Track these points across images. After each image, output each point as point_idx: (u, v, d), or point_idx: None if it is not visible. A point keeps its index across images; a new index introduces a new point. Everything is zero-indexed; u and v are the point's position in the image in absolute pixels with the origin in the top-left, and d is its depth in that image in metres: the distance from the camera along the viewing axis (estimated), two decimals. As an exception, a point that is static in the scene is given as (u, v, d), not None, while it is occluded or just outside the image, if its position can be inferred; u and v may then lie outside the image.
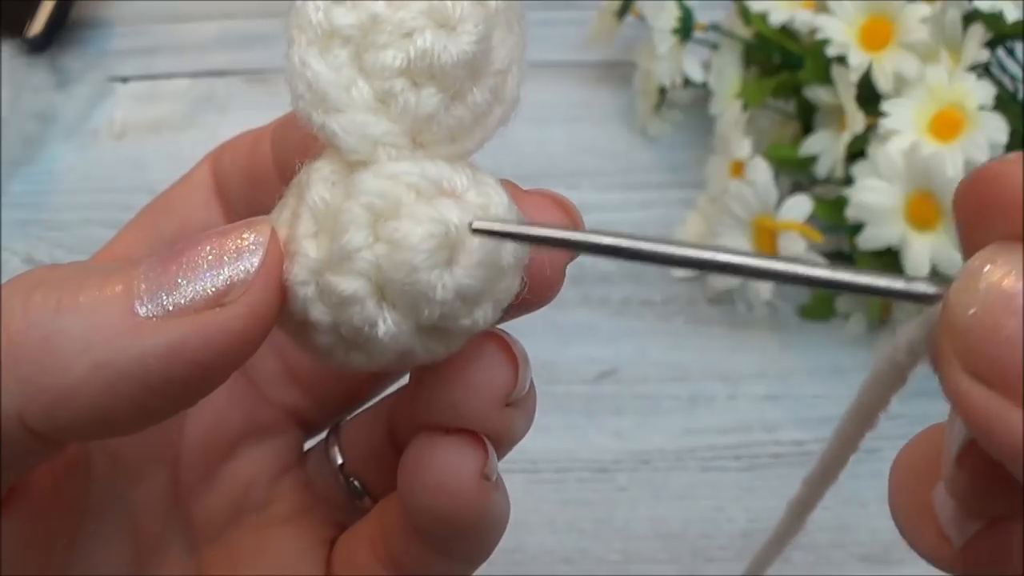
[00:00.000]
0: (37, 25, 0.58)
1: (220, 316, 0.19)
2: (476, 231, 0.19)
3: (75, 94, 0.59)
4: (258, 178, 0.25)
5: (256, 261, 0.19)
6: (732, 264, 0.18)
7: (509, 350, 0.22)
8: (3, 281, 0.25)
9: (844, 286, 0.17)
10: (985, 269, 0.16)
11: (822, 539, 0.43)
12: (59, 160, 0.57)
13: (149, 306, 0.19)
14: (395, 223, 0.19)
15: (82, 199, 0.55)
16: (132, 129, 0.58)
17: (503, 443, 0.23)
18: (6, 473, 0.20)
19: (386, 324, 0.19)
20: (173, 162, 0.28)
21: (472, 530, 0.23)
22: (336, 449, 0.27)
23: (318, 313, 0.20)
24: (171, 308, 0.19)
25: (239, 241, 0.19)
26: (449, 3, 0.20)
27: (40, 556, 0.22)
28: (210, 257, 0.19)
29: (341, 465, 0.27)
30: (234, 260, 0.19)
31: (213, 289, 0.19)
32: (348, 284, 0.19)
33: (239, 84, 0.60)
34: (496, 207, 0.20)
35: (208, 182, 0.25)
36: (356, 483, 0.27)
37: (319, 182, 0.20)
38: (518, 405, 0.23)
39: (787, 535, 0.25)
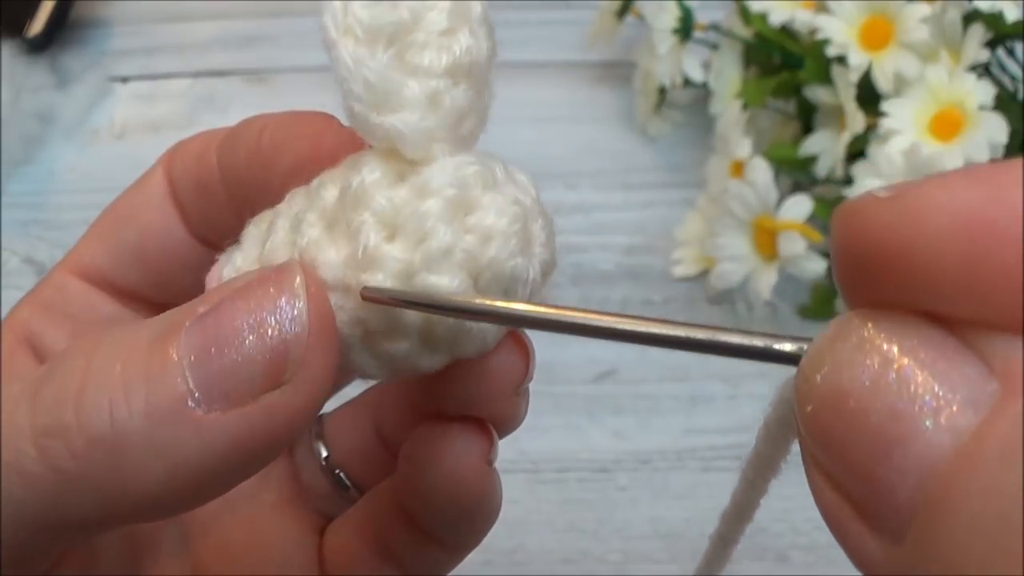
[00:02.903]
0: (37, 25, 0.58)
1: (283, 398, 0.18)
2: (366, 298, 0.19)
3: (75, 94, 0.59)
4: (206, 189, 0.24)
5: (302, 323, 0.18)
6: (585, 324, 0.18)
7: (522, 342, 0.22)
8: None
9: (698, 345, 0.16)
10: (823, 355, 0.14)
11: (822, 539, 0.43)
12: (59, 160, 0.57)
13: (205, 403, 0.18)
14: (480, 213, 0.19)
15: (82, 199, 0.55)
16: (132, 129, 0.58)
17: (508, 429, 0.24)
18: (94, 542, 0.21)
19: None
20: (173, 162, 0.28)
21: (476, 514, 0.23)
22: (320, 443, 0.28)
23: (411, 316, 0.19)
24: (227, 398, 0.18)
25: (275, 308, 0.18)
26: (470, 3, 0.20)
27: (69, 567, 0.23)
28: (250, 336, 0.18)
29: (326, 458, 0.28)
30: (276, 331, 0.18)
31: (265, 370, 0.18)
32: (450, 280, 0.19)
33: (239, 84, 0.60)
34: (533, 191, 0.21)
35: (164, 187, 0.25)
36: (341, 475, 0.27)
37: (376, 187, 0.19)
38: (523, 394, 0.23)
39: (712, 569, 0.25)
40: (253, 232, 0.22)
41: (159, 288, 0.25)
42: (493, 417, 0.23)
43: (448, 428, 0.23)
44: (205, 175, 0.24)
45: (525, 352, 0.22)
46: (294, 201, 0.21)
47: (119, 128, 0.58)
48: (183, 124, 0.58)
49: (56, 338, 0.24)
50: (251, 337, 0.18)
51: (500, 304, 0.18)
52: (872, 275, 0.14)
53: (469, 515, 0.23)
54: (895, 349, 0.13)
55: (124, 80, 0.60)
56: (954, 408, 0.12)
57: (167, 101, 0.59)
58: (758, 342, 0.15)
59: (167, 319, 0.19)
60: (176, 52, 0.61)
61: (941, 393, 0.13)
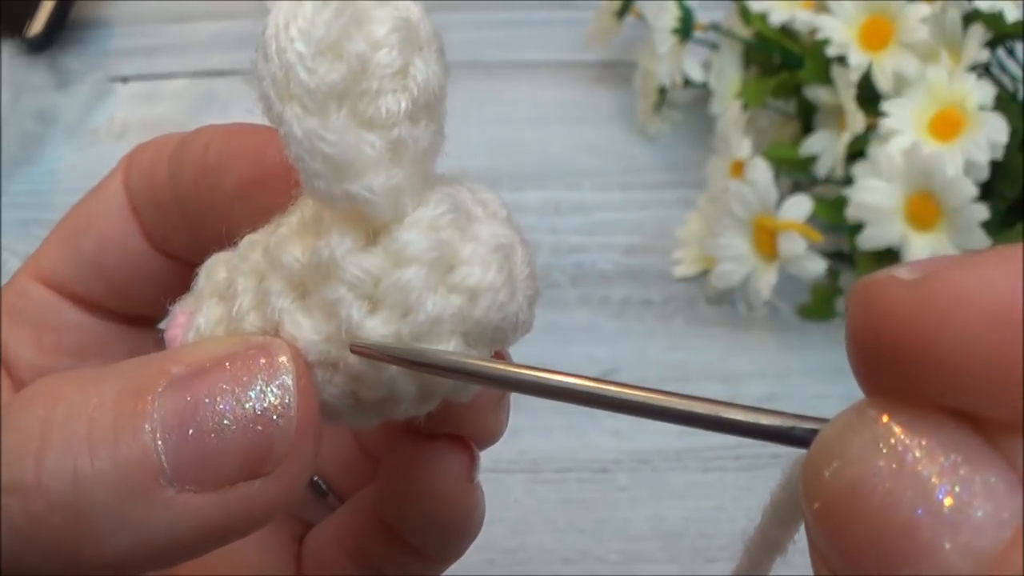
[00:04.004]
0: (37, 25, 0.58)
1: (261, 489, 0.17)
2: (356, 351, 0.18)
3: (75, 94, 0.59)
4: (160, 202, 0.23)
5: (289, 418, 0.17)
6: (611, 397, 0.16)
7: (502, 356, 0.22)
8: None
9: (700, 421, 0.15)
10: (834, 448, 0.13)
11: (822, 539, 0.43)
12: (60, 160, 0.57)
13: (177, 482, 0.17)
14: (464, 270, 0.18)
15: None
16: (132, 129, 0.58)
17: (488, 443, 0.24)
18: None
19: None
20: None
21: (457, 531, 0.23)
22: None
23: (405, 387, 0.19)
24: (201, 482, 0.17)
25: (262, 398, 0.17)
26: (416, 24, 0.18)
27: None
28: (233, 426, 0.17)
29: None
30: (261, 426, 0.17)
31: (245, 462, 0.17)
32: (444, 347, 0.18)
33: (239, 84, 0.60)
34: (504, 212, 0.20)
35: (122, 195, 0.24)
36: (320, 482, 0.27)
37: (350, 256, 0.18)
38: (503, 407, 0.23)
39: None
40: (208, 288, 0.21)
41: (121, 298, 0.24)
42: (473, 433, 0.23)
43: (430, 446, 0.23)
44: (157, 188, 0.23)
45: None
46: (251, 256, 0.20)
47: (119, 128, 0.58)
48: (183, 124, 0.58)
49: (19, 344, 0.24)
50: (233, 427, 0.17)
51: (504, 368, 0.17)
52: (890, 364, 0.12)
53: (451, 531, 0.23)
54: (913, 450, 0.12)
55: (124, 80, 0.60)
56: (975, 525, 0.11)
57: (167, 101, 0.59)
58: (765, 420, 0.14)
59: (135, 374, 0.18)
60: (176, 52, 0.61)
61: (961, 506, 0.11)
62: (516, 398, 0.23)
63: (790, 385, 0.48)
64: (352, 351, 0.18)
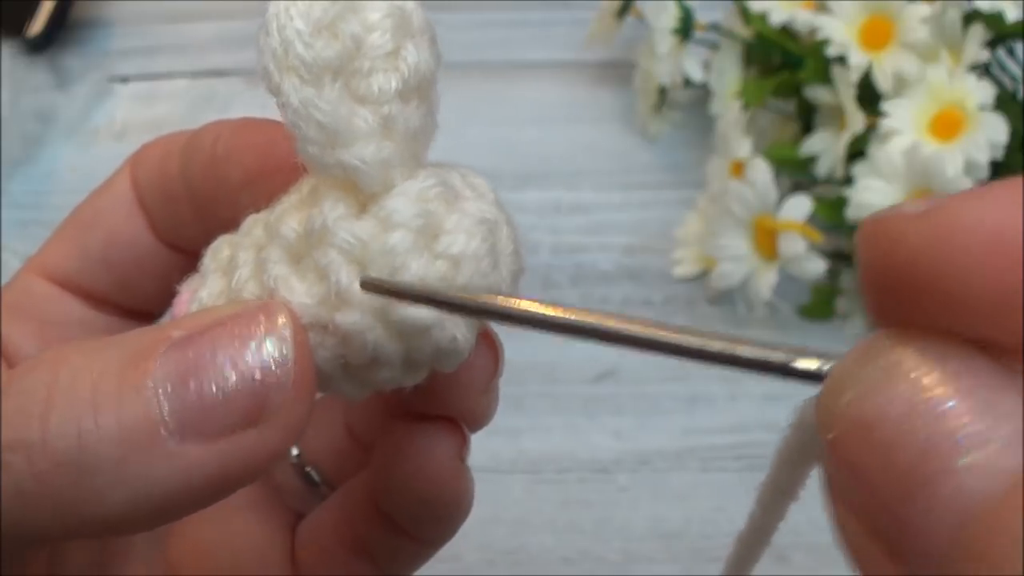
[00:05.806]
0: (37, 25, 0.59)
1: (259, 439, 0.18)
2: (365, 287, 0.19)
3: (75, 94, 0.59)
4: (170, 196, 0.24)
5: (286, 369, 0.18)
6: (611, 331, 0.16)
7: (490, 339, 0.22)
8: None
9: (712, 357, 0.15)
10: (848, 378, 0.13)
11: (822, 539, 0.43)
12: (59, 160, 0.57)
13: (178, 434, 0.17)
14: (448, 238, 0.19)
15: (82, 199, 0.55)
16: (132, 129, 0.58)
17: (478, 426, 0.24)
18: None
19: (462, 332, 0.20)
20: (173, 162, 0.28)
21: (448, 511, 0.24)
22: None
23: (390, 350, 0.19)
24: (201, 432, 0.17)
25: (260, 349, 0.18)
26: (410, 13, 0.19)
27: (35, 565, 0.23)
28: (232, 375, 0.18)
29: (297, 455, 0.28)
30: (260, 374, 0.18)
31: (244, 410, 0.18)
32: (428, 312, 0.19)
33: (239, 84, 0.60)
34: (492, 195, 0.21)
35: (129, 192, 0.25)
36: (312, 473, 0.27)
37: (340, 223, 0.19)
38: (492, 390, 0.24)
39: None
40: (212, 265, 0.21)
41: (127, 293, 0.25)
42: (463, 414, 0.23)
43: (421, 427, 0.23)
44: (168, 182, 0.24)
45: (494, 350, 0.22)
46: (253, 232, 0.21)
47: (119, 128, 0.58)
48: (183, 124, 0.57)
49: (22, 338, 0.24)
50: (233, 376, 0.18)
51: (512, 306, 0.17)
52: (903, 295, 0.13)
53: (444, 512, 0.24)
54: (929, 375, 0.12)
55: (124, 80, 0.60)
56: (996, 446, 0.11)
57: (167, 101, 0.59)
58: (776, 357, 0.14)
59: (138, 340, 0.18)
60: (176, 52, 0.61)
61: (981, 428, 0.11)
62: (517, 399, 0.23)
63: (790, 385, 0.48)
64: (362, 287, 0.19)
